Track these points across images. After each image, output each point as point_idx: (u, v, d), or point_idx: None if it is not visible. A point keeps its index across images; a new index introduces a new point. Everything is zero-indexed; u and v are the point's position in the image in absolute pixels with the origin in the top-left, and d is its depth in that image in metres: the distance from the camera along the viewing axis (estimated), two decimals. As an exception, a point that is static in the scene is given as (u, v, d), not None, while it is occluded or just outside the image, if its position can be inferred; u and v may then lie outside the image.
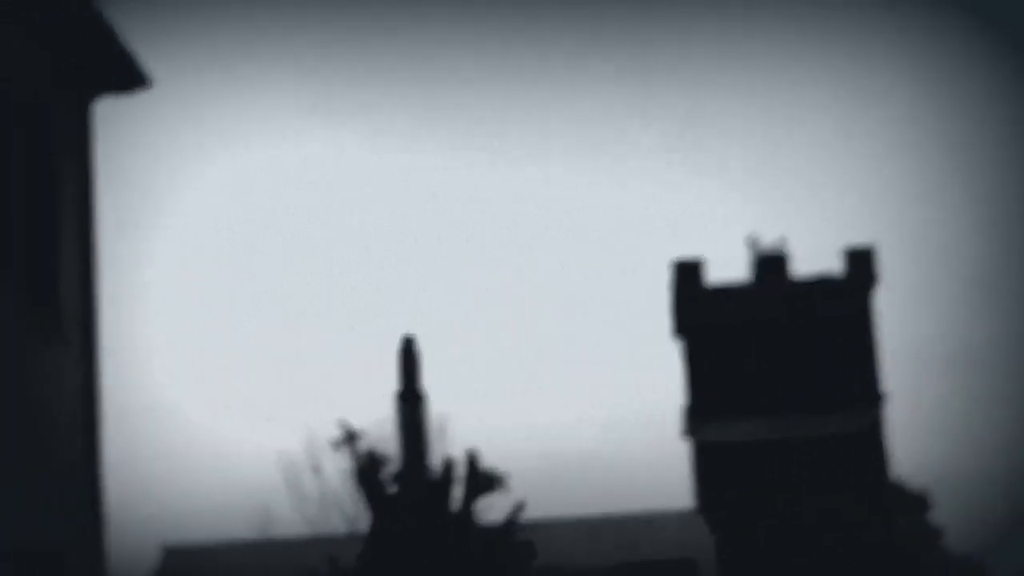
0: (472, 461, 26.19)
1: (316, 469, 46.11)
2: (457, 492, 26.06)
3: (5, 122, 15.21)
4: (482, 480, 25.93)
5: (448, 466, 26.16)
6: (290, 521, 50.83)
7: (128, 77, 17.44)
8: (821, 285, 63.20)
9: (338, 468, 49.26)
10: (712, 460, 62.50)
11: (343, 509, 45.83)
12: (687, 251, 61.54)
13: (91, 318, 17.14)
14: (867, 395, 62.96)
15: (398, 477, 26.00)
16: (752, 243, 63.68)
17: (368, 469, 25.80)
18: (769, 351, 62.97)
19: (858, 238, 62.75)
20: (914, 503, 75.40)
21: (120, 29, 16.74)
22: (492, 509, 26.32)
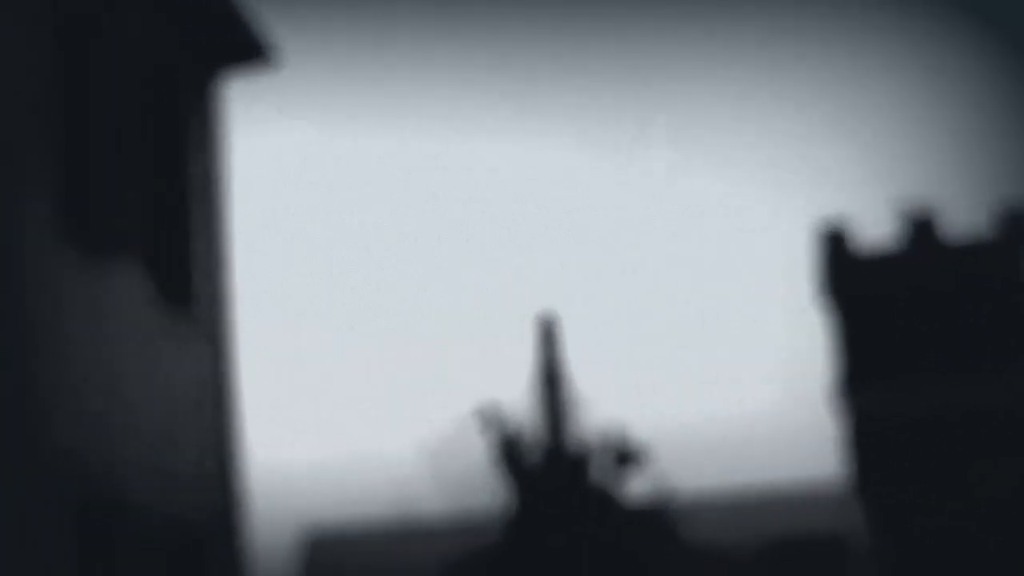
0: (613, 438, 25.93)
1: (458, 450, 46.11)
2: (598, 470, 25.82)
3: (136, 101, 15.26)
4: (624, 457, 25.66)
5: (589, 444, 25.92)
6: (432, 503, 50.92)
7: (256, 54, 17.46)
8: (973, 248, 62.01)
9: (480, 449, 49.25)
10: (864, 431, 61.51)
11: (485, 489, 45.78)
12: (830, 216, 60.74)
13: (222, 299, 17.14)
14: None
15: (539, 456, 25.81)
16: (901, 206, 62.66)
17: (510, 449, 25.63)
18: (921, 317, 61.86)
19: (1008, 198, 61.52)
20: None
21: (248, 6, 16.74)
22: (634, 486, 26.02)
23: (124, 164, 14.91)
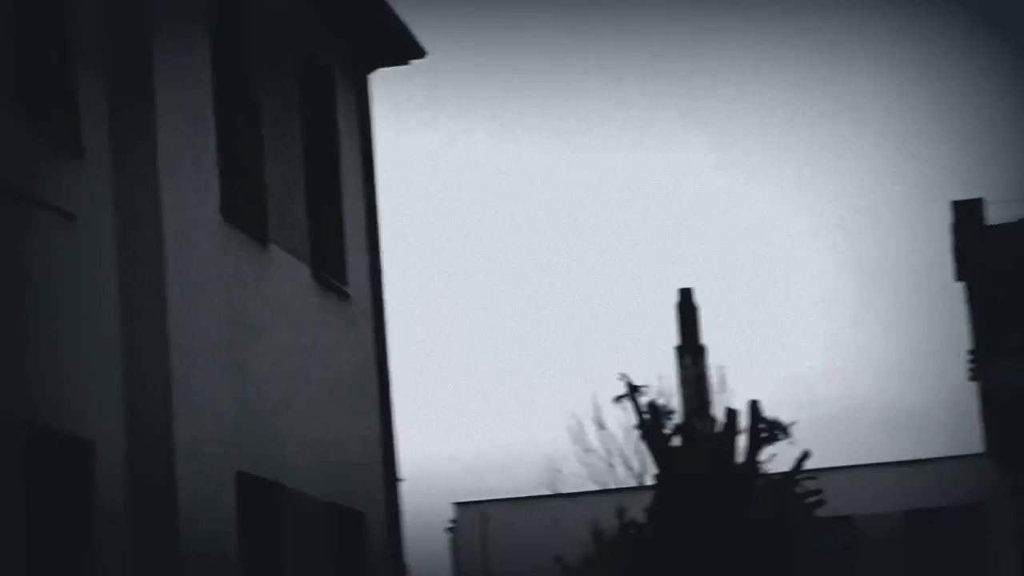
0: (755, 411, 26.16)
1: (600, 424, 46.47)
2: (741, 443, 26.07)
3: (291, 93, 15.70)
4: (766, 430, 25.89)
5: (731, 417, 26.17)
6: (577, 476, 51.31)
7: (405, 50, 17.84)
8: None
9: (622, 422, 49.54)
10: (1004, 404, 61.04)
11: (628, 462, 46.12)
12: (967, 191, 60.13)
13: (376, 279, 17.59)
14: None
15: (681, 429, 26.11)
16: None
17: (652, 422, 25.96)
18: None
19: None
20: None
21: (396, 2, 17.12)
22: (777, 459, 26.25)
23: (281, 155, 15.36)
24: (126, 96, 12.70)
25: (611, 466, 46.99)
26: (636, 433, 26.16)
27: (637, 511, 27.70)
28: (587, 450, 47.45)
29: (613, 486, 45.94)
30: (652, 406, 25.69)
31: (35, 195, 10.11)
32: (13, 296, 11.05)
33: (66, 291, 11.74)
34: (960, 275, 63.72)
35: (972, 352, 62.02)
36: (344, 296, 16.60)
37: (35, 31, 11.97)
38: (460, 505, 47.29)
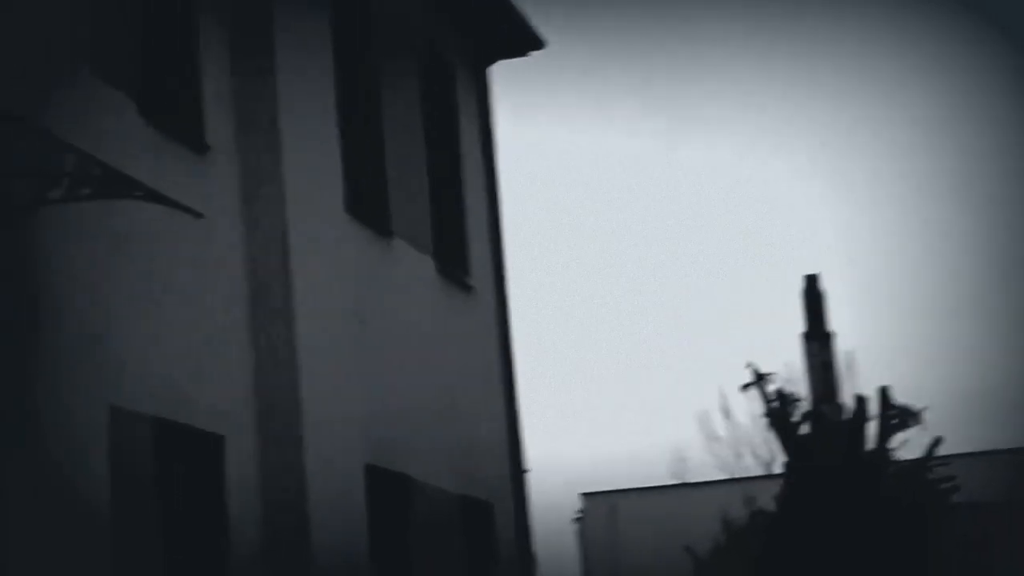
0: (885, 397, 25.85)
1: (727, 412, 46.20)
2: (871, 429, 25.77)
3: (412, 87, 15.76)
4: (897, 416, 25.57)
5: (861, 403, 25.89)
6: (704, 465, 51.03)
7: (523, 40, 17.84)
8: None
9: (749, 410, 49.21)
10: None
11: (756, 451, 45.82)
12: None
13: (499, 271, 17.61)
14: None
15: (809, 416, 25.87)
16: None
17: (779, 410, 25.74)
18: None
19: None
20: None
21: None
22: (908, 446, 25.92)
23: (403, 149, 15.43)
24: (250, 93, 12.79)
25: (739, 455, 46.73)
26: (764, 421, 25.96)
27: (766, 500, 27.49)
28: (714, 439, 47.22)
29: (741, 475, 45.65)
30: (780, 394, 25.45)
31: (163, 194, 10.21)
32: (143, 294, 11.17)
33: (195, 288, 11.85)
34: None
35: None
36: (468, 288, 16.64)
37: (159, 30, 12.08)
38: (587, 496, 47.22)
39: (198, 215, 10.77)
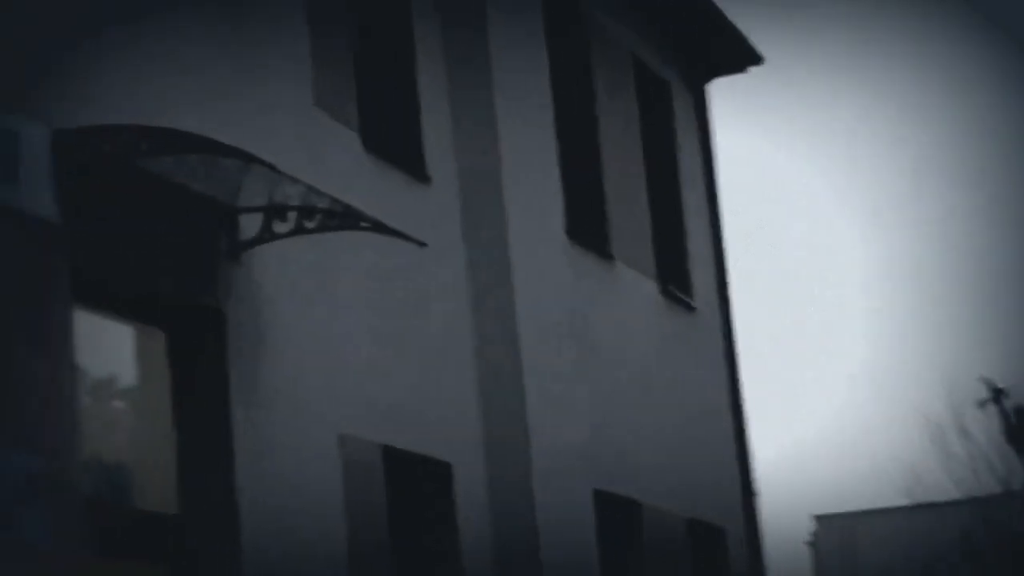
0: None
1: (962, 429, 45.24)
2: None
3: (629, 108, 15.74)
4: None
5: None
6: (940, 484, 49.95)
7: (741, 56, 17.72)
8: None
9: (985, 427, 48.09)
10: None
11: (994, 469, 44.73)
12: None
13: (722, 291, 17.48)
14: None
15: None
16: None
17: (1018, 426, 25.16)
18: None
19: None
20: None
21: (731, 10, 17.02)
22: None
23: (621, 171, 15.39)
24: (469, 121, 12.89)
25: (975, 472, 45.68)
26: (1002, 437, 25.38)
27: (1004, 519, 26.85)
28: (950, 456, 46.23)
29: (979, 493, 44.64)
30: (1019, 410, 24.89)
31: (388, 224, 10.33)
32: (370, 323, 11.29)
33: (420, 316, 11.95)
34: None
35: None
36: (691, 309, 16.54)
37: (379, 63, 12.23)
38: (820, 518, 46.63)
39: (422, 244, 10.87)
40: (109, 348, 9.37)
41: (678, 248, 16.69)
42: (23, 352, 8.11)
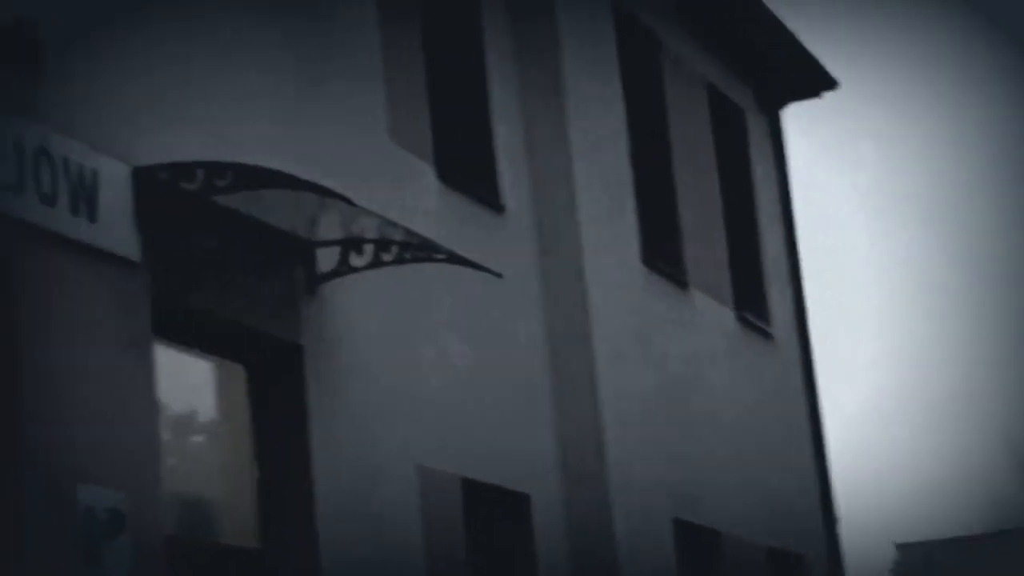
0: None
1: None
2: None
3: (703, 135, 15.71)
4: None
5: None
6: (1022, 511, 49.41)
7: (815, 81, 17.64)
8: None
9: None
10: None
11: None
12: None
13: (800, 317, 17.38)
14: None
15: None
16: None
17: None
18: None
19: None
20: None
21: (805, 35, 16.96)
22: None
23: (696, 198, 15.35)
24: (542, 150, 12.90)
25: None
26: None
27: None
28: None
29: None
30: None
31: (464, 256, 10.36)
32: (447, 355, 11.31)
33: (496, 347, 11.96)
34: None
35: None
36: (768, 336, 16.46)
37: (452, 94, 12.27)
38: (903, 546, 46.24)
39: (498, 275, 10.88)
40: (189, 383, 9.43)
41: (755, 275, 16.62)
42: (105, 388, 8.18)
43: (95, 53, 8.48)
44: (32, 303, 7.83)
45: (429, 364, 11.10)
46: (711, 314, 15.20)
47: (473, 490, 11.29)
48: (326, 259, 9.98)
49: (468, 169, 12.21)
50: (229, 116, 9.48)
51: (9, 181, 7.76)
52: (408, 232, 9.92)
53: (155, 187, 8.58)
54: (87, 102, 8.37)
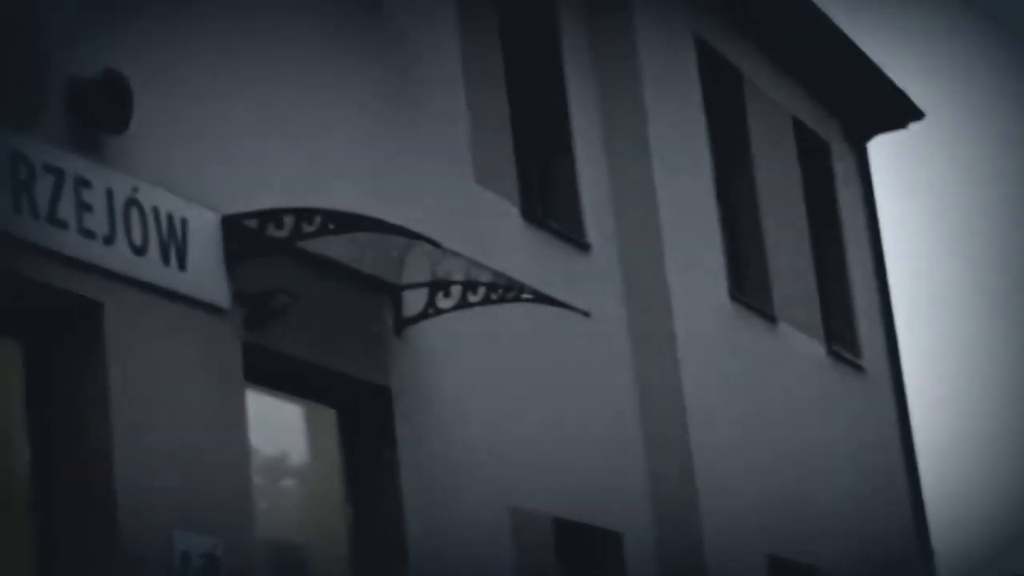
0: None
1: None
2: None
3: (789, 169, 15.64)
4: None
5: None
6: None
7: (901, 113, 17.53)
8: None
9: None
10: None
11: None
12: None
13: (892, 350, 17.24)
14: None
15: None
16: None
17: None
18: None
19: None
20: None
21: (890, 67, 16.85)
22: None
23: (783, 232, 15.27)
24: (627, 187, 12.89)
25: None
26: None
27: None
28: None
29: None
30: None
31: (551, 296, 10.36)
32: (536, 395, 11.30)
33: (586, 386, 11.94)
34: None
35: None
36: (859, 370, 16.33)
37: (535, 133, 12.30)
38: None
39: (585, 314, 10.87)
40: (280, 427, 9.49)
41: (844, 308, 16.51)
42: (198, 434, 8.24)
43: (181, 102, 8.58)
44: (124, 351, 7.91)
45: (518, 404, 11.09)
46: (801, 348, 15.10)
47: (565, 530, 11.26)
48: (413, 301, 10.02)
49: (553, 208, 12.23)
50: (317, 163, 9.55)
51: (101, 232, 7.85)
52: (495, 273, 9.95)
53: (244, 234, 8.66)
54: (175, 151, 8.47)
